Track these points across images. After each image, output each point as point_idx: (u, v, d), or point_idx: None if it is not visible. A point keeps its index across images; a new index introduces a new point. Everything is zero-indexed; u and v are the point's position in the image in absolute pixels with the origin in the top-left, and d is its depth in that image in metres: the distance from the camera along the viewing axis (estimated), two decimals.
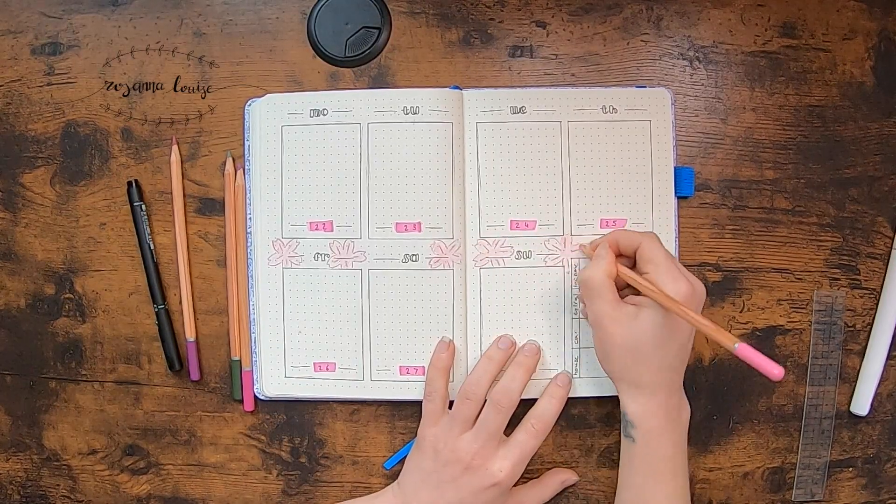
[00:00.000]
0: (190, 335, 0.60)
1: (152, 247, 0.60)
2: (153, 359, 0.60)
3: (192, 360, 0.60)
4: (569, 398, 0.59)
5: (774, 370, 0.45)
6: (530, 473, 0.60)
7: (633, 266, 0.55)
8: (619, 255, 0.55)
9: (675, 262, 0.53)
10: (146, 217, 0.60)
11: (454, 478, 0.54)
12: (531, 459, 0.60)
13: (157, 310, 0.60)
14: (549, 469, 0.60)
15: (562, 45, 0.60)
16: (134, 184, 0.59)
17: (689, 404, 0.55)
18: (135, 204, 0.59)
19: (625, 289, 0.55)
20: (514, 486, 0.56)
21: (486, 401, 0.56)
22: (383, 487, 0.60)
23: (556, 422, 0.60)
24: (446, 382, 0.57)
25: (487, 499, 0.55)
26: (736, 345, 0.46)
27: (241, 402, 0.60)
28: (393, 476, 0.60)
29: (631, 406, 0.54)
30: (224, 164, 0.60)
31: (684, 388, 0.60)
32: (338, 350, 0.59)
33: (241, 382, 0.60)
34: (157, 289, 0.60)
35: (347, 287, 0.59)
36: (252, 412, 0.60)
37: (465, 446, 0.55)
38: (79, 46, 0.60)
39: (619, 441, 0.60)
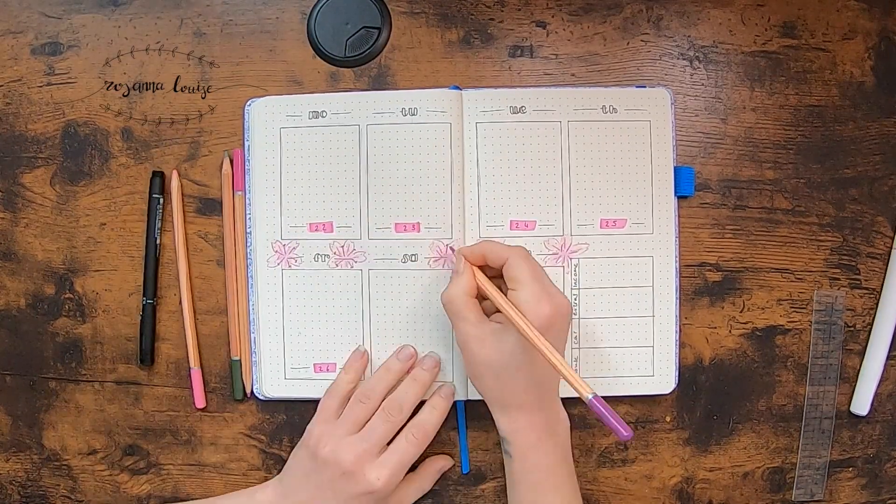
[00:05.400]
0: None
1: (158, 241, 0.60)
2: (153, 358, 0.60)
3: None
4: (569, 398, 0.60)
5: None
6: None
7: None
8: (486, 267, 0.54)
9: (541, 279, 0.51)
10: (161, 211, 0.60)
11: (332, 480, 0.54)
12: None
13: (144, 303, 0.60)
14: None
15: (562, 45, 0.60)
16: (160, 176, 0.59)
17: (690, 403, 0.55)
18: (154, 196, 0.59)
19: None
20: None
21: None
22: None
23: None
24: (352, 388, 0.57)
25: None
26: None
27: (242, 401, 0.60)
28: None
29: (502, 423, 0.54)
30: (222, 164, 0.60)
31: (685, 388, 0.60)
32: (338, 351, 0.59)
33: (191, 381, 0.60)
34: (153, 283, 0.60)
35: (347, 287, 0.59)
36: (252, 408, 0.60)
37: (346, 449, 0.54)
38: (79, 46, 0.60)
39: (618, 441, 0.60)
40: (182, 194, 0.60)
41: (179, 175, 0.59)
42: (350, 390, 0.57)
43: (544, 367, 0.51)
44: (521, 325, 0.49)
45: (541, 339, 0.49)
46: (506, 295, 0.52)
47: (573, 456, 0.60)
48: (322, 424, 0.56)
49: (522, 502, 0.53)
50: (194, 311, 0.60)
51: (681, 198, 0.60)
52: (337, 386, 0.57)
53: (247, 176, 0.59)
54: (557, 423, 0.54)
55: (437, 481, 0.60)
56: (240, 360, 0.60)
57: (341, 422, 0.55)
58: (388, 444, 0.56)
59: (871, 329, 0.60)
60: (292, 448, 0.60)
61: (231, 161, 0.59)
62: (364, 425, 0.55)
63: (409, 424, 0.56)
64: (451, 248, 0.58)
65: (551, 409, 0.54)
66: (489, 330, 0.52)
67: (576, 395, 0.59)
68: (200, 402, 0.60)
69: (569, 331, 0.53)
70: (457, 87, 0.59)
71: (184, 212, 0.60)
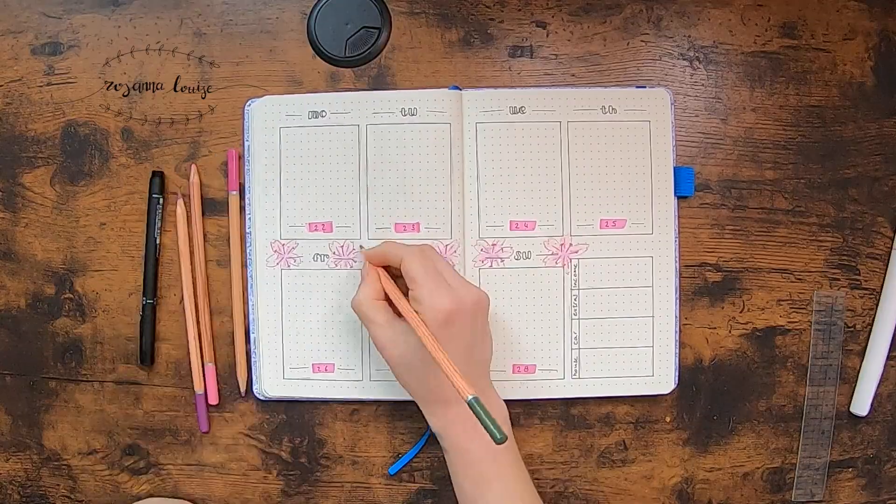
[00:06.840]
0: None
1: (158, 241, 0.60)
2: (153, 358, 0.60)
3: (211, 383, 0.60)
4: (569, 398, 0.60)
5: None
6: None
7: None
8: (390, 268, 0.54)
9: (438, 275, 0.51)
10: (161, 211, 0.60)
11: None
12: (529, 461, 0.60)
13: (144, 303, 0.60)
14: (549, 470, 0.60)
15: (562, 45, 0.60)
16: (160, 176, 0.59)
17: (690, 404, 0.54)
18: (153, 196, 0.59)
19: None
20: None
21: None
22: (383, 488, 0.60)
23: (556, 421, 0.60)
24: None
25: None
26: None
27: (241, 401, 0.60)
28: (396, 479, 0.60)
29: (431, 420, 0.54)
30: (225, 163, 0.60)
31: (684, 388, 0.60)
32: (337, 351, 0.59)
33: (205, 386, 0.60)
34: (153, 283, 0.60)
35: (347, 288, 0.59)
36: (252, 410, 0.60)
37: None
38: (79, 46, 0.60)
39: (619, 441, 0.61)
40: (187, 192, 0.59)
41: (178, 174, 0.59)
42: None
43: (456, 361, 0.50)
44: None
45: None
46: (406, 295, 0.52)
47: (574, 455, 0.60)
48: (383, 326, 0.53)
49: (468, 497, 0.53)
50: (209, 309, 0.60)
51: (681, 198, 0.60)
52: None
53: (246, 176, 0.59)
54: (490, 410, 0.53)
55: (434, 480, 0.60)
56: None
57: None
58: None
59: (871, 329, 0.60)
60: (292, 448, 0.60)
61: (231, 161, 0.59)
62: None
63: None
64: (361, 245, 0.58)
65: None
66: (400, 329, 0.52)
67: (576, 395, 0.59)
68: (214, 398, 0.60)
69: (485, 321, 0.53)
70: (457, 88, 0.59)
71: (201, 208, 0.59)
